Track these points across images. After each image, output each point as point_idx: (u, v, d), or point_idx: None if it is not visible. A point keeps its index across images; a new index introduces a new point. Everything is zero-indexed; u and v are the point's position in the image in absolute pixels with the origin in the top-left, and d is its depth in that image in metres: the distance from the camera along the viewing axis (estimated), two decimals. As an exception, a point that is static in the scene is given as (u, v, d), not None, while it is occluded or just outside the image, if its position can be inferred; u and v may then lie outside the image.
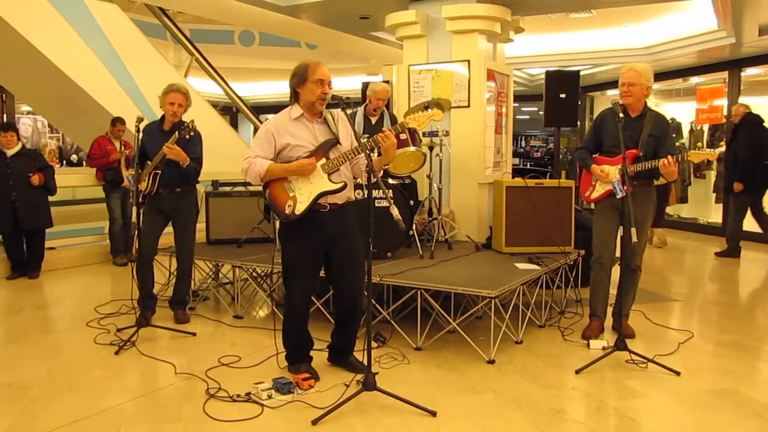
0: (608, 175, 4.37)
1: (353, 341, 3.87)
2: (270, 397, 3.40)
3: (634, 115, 4.35)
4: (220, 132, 9.47)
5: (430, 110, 3.54)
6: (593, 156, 4.57)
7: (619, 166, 4.26)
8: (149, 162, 4.67)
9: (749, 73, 9.94)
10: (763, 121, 7.77)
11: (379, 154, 3.53)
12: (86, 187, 8.47)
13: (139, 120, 4.45)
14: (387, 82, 7.31)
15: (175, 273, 5.03)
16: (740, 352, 4.39)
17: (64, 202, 9.20)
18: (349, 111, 3.52)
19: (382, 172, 3.64)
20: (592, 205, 4.73)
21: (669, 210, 11.30)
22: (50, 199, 6.82)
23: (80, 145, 13.84)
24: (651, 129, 4.31)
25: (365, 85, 7.09)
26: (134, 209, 4.39)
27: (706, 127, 10.71)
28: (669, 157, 4.06)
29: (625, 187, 3.98)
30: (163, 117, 4.76)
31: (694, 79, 10.98)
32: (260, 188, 3.67)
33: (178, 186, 4.78)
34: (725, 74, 10.01)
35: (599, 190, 4.50)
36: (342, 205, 3.60)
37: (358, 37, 8.99)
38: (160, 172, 4.65)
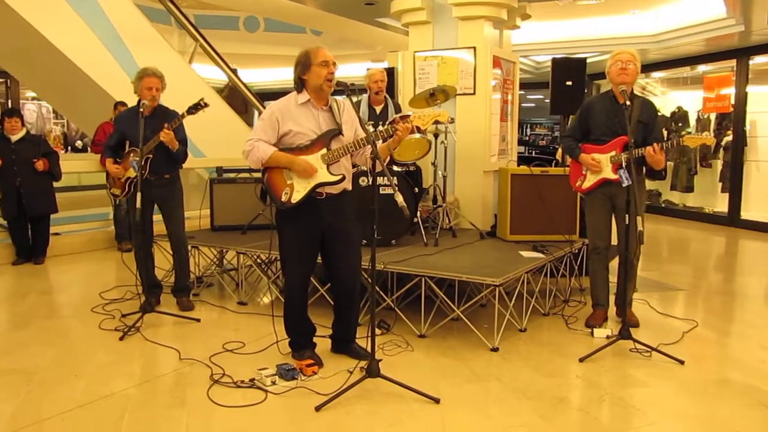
0: (600, 164, 4.33)
1: (354, 330, 3.88)
2: (274, 383, 3.41)
3: (622, 101, 4.23)
4: (224, 118, 9.45)
5: (436, 109, 3.55)
6: (580, 145, 4.52)
7: (611, 154, 4.24)
8: (135, 149, 4.58)
9: (757, 61, 9.84)
10: None
11: (385, 140, 3.51)
12: (91, 173, 8.48)
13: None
14: (392, 69, 7.26)
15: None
16: (745, 341, 4.39)
17: (68, 187, 9.22)
18: (354, 98, 3.49)
19: (388, 158, 3.63)
20: None
21: (674, 199, 11.29)
22: (55, 184, 6.83)
23: (85, 131, 13.83)
24: (639, 115, 4.25)
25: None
26: (138, 195, 4.36)
27: (713, 116, 10.64)
28: (655, 144, 4.02)
29: (630, 173, 3.95)
30: (139, 102, 4.59)
31: (702, 68, 10.89)
32: (265, 175, 3.66)
33: (167, 172, 4.78)
34: (733, 62, 9.92)
35: (590, 180, 4.44)
36: (338, 194, 3.59)
37: (363, 23, 8.93)
38: (151, 156, 4.60)
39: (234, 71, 10.59)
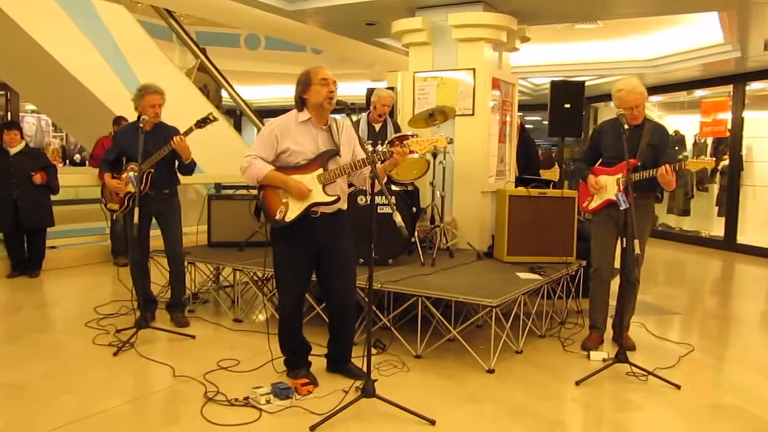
0: (603, 187, 4.37)
1: (349, 349, 3.86)
2: (268, 402, 3.38)
3: (634, 125, 4.34)
4: (223, 135, 9.47)
5: (435, 135, 3.57)
6: (590, 167, 4.57)
7: (618, 176, 4.26)
8: (134, 164, 4.58)
9: (753, 87, 9.93)
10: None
11: (383, 162, 3.51)
12: (89, 187, 8.46)
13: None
14: (391, 88, 7.31)
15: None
16: (740, 366, 4.38)
17: (66, 201, 9.19)
18: (354, 117, 3.50)
19: (385, 178, 3.63)
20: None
21: (671, 222, 11.32)
22: (52, 198, 6.83)
23: (83, 145, 13.84)
24: (650, 138, 4.31)
25: (369, 92, 7.09)
26: (136, 210, 4.36)
27: (710, 140, 10.71)
28: (666, 165, 4.06)
29: (628, 197, 3.98)
30: (139, 118, 4.63)
31: (699, 92, 10.98)
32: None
33: (167, 187, 4.81)
34: (730, 88, 10.01)
35: (597, 200, 4.48)
36: (333, 213, 3.59)
37: (363, 42, 8.99)
38: (153, 171, 4.64)
39: (203, 51, 10.60)
